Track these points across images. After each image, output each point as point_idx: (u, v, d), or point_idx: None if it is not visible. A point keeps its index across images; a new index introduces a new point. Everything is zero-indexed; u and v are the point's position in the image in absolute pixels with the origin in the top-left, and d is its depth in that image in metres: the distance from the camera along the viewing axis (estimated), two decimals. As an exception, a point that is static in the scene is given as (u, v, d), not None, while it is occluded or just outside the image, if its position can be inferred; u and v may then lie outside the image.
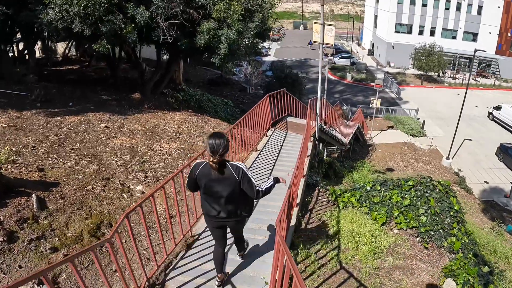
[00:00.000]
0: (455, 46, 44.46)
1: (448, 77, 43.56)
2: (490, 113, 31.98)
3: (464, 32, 44.78)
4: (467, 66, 45.76)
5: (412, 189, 6.98)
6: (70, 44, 23.00)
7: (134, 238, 4.02)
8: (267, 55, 51.96)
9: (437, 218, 6.44)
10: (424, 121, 28.98)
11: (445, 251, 6.24)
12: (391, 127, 28.26)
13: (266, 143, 9.98)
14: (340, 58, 48.57)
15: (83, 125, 9.36)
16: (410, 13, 44.96)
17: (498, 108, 30.94)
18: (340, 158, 17.55)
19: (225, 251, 4.30)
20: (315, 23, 10.35)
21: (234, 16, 11.23)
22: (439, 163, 23.32)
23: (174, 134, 9.98)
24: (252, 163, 8.36)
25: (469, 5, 43.51)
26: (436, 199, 6.80)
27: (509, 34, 41.70)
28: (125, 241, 4.92)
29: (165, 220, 5.57)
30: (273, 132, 11.05)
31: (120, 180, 6.63)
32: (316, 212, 6.94)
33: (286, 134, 11.08)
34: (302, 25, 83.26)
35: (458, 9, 43.93)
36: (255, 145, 9.27)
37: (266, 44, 59.46)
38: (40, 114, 9.79)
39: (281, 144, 10.12)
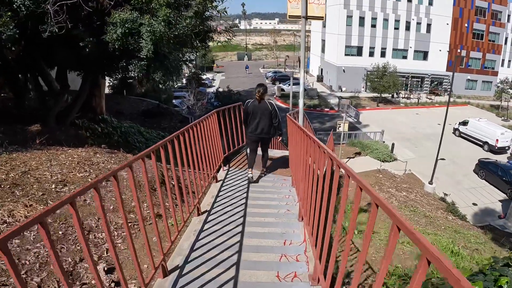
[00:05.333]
0: (406, 66, 43.78)
1: (403, 98, 42.28)
2: (456, 129, 31.19)
3: (415, 51, 44.38)
4: (419, 86, 44.98)
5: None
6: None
7: None
8: (211, 86, 48.32)
9: None
10: (393, 144, 26.18)
11: None
12: (358, 154, 25.00)
13: (216, 196, 5.61)
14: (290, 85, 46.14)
15: None
16: (359, 34, 43.81)
17: (464, 123, 30.35)
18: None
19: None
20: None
21: (161, -1, 7.06)
22: (421, 190, 20.27)
23: (53, 186, 5.35)
24: (192, 249, 3.95)
25: (418, 23, 43.32)
26: None
27: (458, 51, 41.36)
28: None
29: None
30: (227, 174, 6.76)
31: None
32: None
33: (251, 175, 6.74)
34: (246, 56, 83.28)
35: (408, 28, 43.57)
36: (196, 202, 4.78)
37: (210, 75, 56.34)
38: None
39: (246, 195, 5.73)
